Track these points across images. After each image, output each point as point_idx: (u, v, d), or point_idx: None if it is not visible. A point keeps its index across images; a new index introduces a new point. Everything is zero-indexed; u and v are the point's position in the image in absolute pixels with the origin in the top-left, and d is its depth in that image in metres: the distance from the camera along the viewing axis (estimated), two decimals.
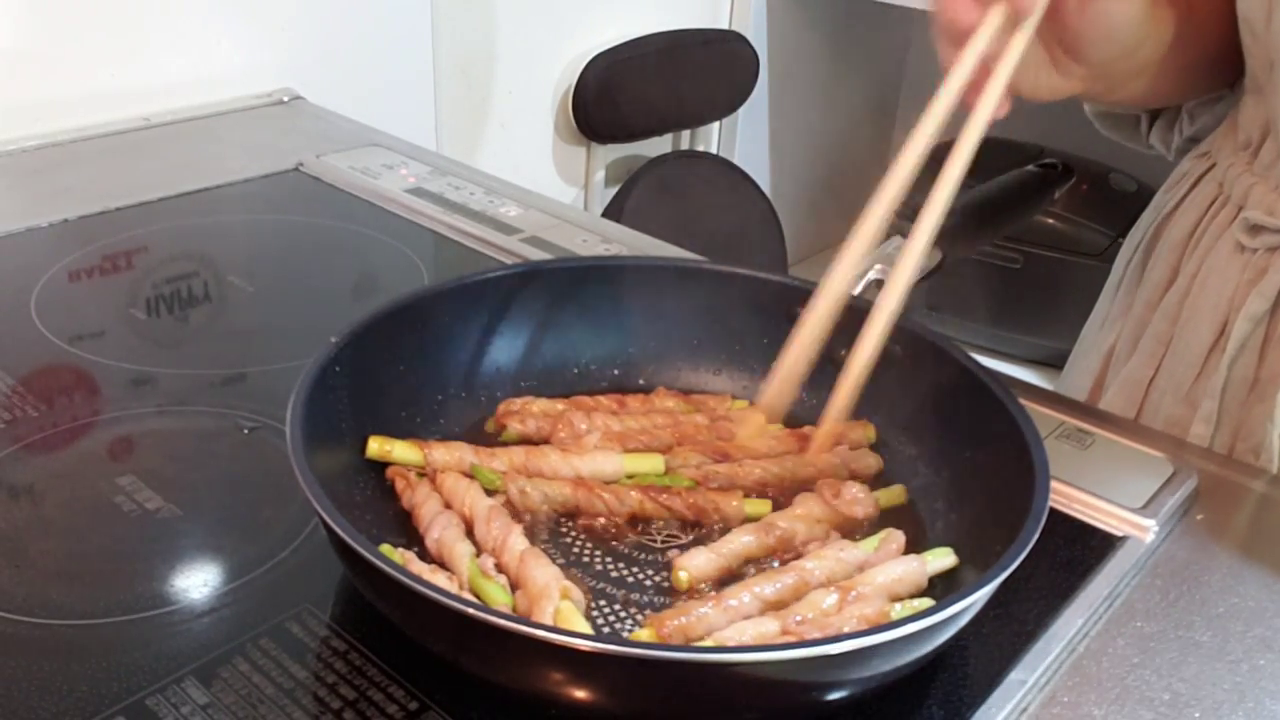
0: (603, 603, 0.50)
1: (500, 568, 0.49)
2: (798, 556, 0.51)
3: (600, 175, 1.76)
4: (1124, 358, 0.78)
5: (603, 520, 0.55)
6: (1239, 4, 0.66)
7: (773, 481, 0.57)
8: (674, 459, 0.58)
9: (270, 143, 1.05)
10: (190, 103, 1.10)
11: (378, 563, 0.41)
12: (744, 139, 2.01)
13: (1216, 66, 0.71)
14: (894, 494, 0.57)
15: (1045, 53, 0.60)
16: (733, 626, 0.46)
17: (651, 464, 0.57)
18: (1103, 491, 0.58)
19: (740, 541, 0.52)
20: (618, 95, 1.66)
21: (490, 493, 0.54)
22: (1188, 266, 0.73)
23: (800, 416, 0.62)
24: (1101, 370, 0.81)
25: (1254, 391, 0.68)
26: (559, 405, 0.61)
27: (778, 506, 0.55)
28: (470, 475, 0.55)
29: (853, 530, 0.54)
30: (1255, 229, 0.68)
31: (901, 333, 0.59)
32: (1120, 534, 0.56)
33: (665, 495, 0.55)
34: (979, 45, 0.54)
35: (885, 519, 0.55)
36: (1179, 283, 0.74)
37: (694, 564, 0.51)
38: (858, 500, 0.55)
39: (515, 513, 0.54)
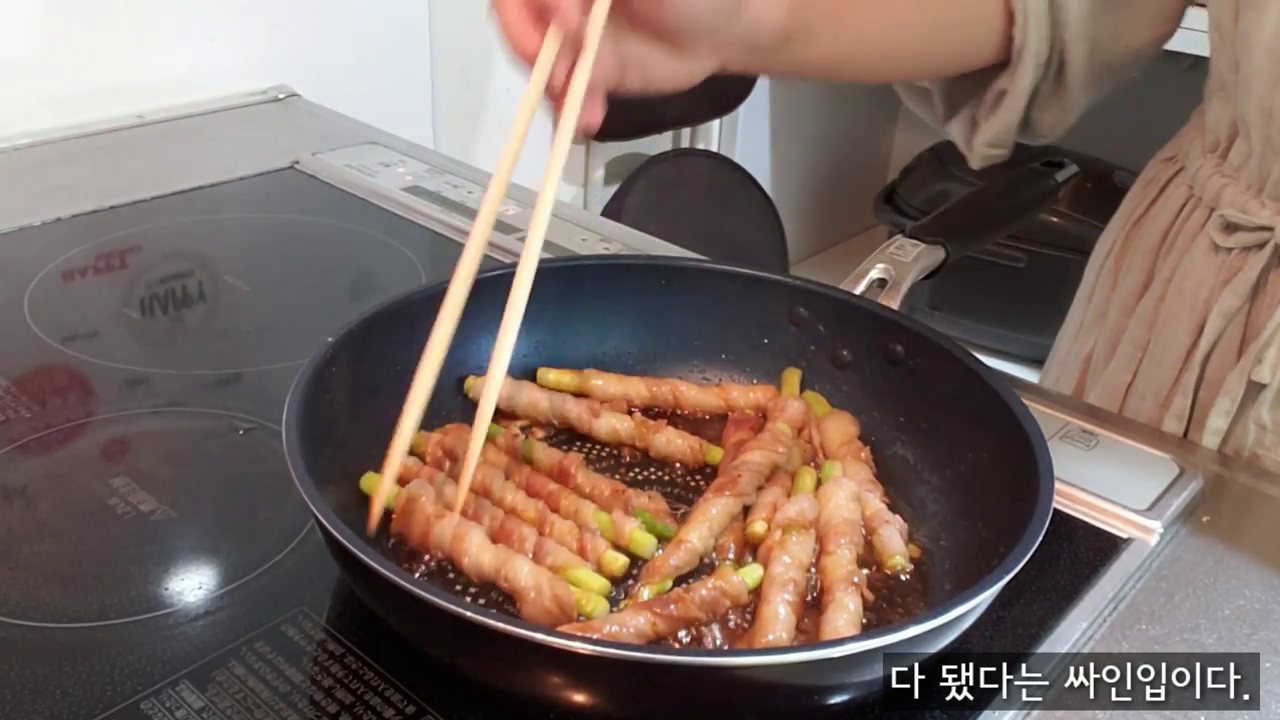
0: None
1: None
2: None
3: (600, 174, 1.76)
4: (1102, 364, 0.78)
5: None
6: (1209, 4, 0.66)
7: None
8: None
9: (266, 140, 1.04)
10: (185, 100, 1.10)
11: (375, 565, 0.41)
12: (744, 138, 2.00)
13: (946, 32, 0.68)
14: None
15: (658, 43, 0.57)
16: None
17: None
18: (1107, 493, 0.57)
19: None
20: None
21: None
22: (1162, 271, 0.73)
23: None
24: (1080, 377, 0.81)
25: None
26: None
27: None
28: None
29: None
30: (1230, 227, 0.67)
31: (904, 332, 0.59)
32: (1125, 536, 0.55)
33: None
34: (545, 68, 0.53)
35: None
36: (1154, 287, 0.73)
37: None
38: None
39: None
